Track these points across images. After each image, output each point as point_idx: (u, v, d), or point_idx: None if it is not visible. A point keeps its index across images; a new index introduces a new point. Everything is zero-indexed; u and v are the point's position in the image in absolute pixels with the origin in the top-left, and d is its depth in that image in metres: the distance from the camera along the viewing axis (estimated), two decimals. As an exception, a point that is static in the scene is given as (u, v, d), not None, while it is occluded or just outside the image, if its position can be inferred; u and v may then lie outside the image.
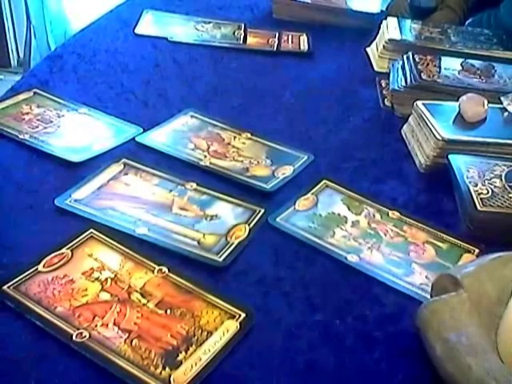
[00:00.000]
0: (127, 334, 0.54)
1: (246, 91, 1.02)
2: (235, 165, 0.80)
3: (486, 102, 0.87)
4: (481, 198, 0.72)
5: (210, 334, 0.55)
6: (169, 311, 0.57)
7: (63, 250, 0.62)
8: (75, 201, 0.70)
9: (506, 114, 0.89)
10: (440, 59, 1.05)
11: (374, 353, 0.56)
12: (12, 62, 2.73)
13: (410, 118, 0.92)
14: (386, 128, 0.95)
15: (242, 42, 1.20)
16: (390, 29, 1.17)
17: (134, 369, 0.51)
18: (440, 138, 0.81)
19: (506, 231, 0.70)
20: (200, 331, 0.55)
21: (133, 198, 0.72)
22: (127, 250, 0.63)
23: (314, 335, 0.57)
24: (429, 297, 0.60)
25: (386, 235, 0.70)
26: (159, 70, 1.06)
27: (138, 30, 1.20)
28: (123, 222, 0.68)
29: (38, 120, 0.85)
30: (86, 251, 0.63)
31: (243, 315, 0.57)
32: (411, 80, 0.97)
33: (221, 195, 0.74)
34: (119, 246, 0.64)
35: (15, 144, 0.80)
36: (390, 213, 0.74)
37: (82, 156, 0.78)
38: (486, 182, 0.75)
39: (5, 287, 0.57)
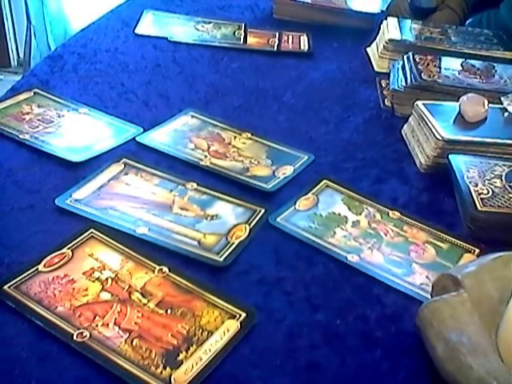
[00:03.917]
0: (128, 334, 0.54)
1: (246, 91, 1.02)
2: (235, 165, 0.80)
3: (486, 102, 0.87)
4: (481, 198, 0.72)
5: (210, 333, 0.55)
6: (169, 311, 0.57)
7: (64, 250, 0.63)
8: (76, 201, 0.70)
9: (506, 114, 0.89)
10: (440, 59, 1.05)
11: (375, 352, 0.56)
12: (12, 62, 2.73)
13: (410, 118, 0.92)
14: (386, 128, 0.95)
15: (242, 42, 1.20)
16: (390, 29, 1.17)
17: (134, 368, 0.51)
18: (440, 138, 0.82)
19: (506, 231, 0.70)
20: (201, 331, 0.55)
21: (133, 198, 0.72)
22: (128, 250, 0.63)
23: (315, 335, 0.57)
24: (429, 297, 0.60)
25: (386, 235, 0.70)
26: (160, 70, 1.06)
27: (139, 30, 1.20)
28: (124, 221, 0.68)
29: (38, 120, 0.85)
30: (87, 251, 0.63)
31: (244, 315, 0.57)
32: (411, 80, 0.97)
33: (221, 195, 0.74)
34: (120, 245, 0.64)
35: (16, 144, 0.80)
36: (391, 213, 0.74)
37: (82, 156, 0.78)
38: (487, 182, 0.75)
39: (5, 287, 0.57)
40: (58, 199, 0.70)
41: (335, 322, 0.58)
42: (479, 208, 0.71)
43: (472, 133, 0.84)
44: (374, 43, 1.21)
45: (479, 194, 0.73)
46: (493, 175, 0.76)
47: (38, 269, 0.60)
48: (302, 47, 1.21)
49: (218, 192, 0.74)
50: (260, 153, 0.84)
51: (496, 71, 1.04)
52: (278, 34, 1.24)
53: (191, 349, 0.53)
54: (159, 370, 0.51)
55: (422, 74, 0.98)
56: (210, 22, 1.27)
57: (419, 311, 0.56)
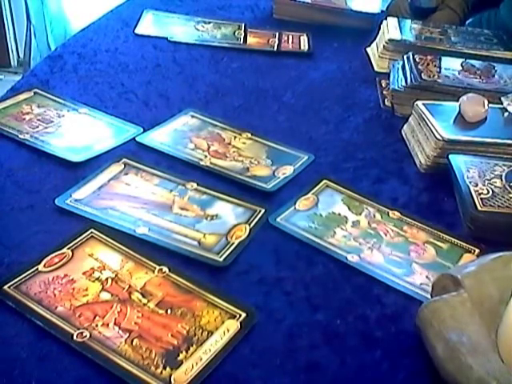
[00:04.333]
0: (128, 334, 0.54)
1: (246, 91, 1.02)
2: (235, 165, 0.80)
3: (486, 102, 0.88)
4: (481, 198, 0.72)
5: (210, 333, 0.55)
6: (169, 311, 0.57)
7: (64, 250, 0.63)
8: (76, 201, 0.70)
9: (506, 114, 0.89)
10: (440, 59, 1.06)
11: (375, 352, 0.56)
12: (12, 62, 2.73)
13: (410, 118, 0.92)
14: (386, 128, 0.95)
15: (242, 42, 1.20)
16: (390, 29, 1.17)
17: (134, 368, 0.51)
18: (440, 138, 0.82)
19: (506, 231, 0.70)
20: (200, 331, 0.55)
21: (133, 198, 0.72)
22: (128, 250, 0.63)
23: (315, 335, 0.57)
24: (429, 297, 0.60)
25: (386, 235, 0.70)
26: (160, 70, 1.06)
27: (139, 30, 1.20)
28: (124, 221, 0.68)
29: (38, 120, 0.85)
30: (87, 251, 0.63)
31: (244, 315, 0.57)
32: (411, 80, 0.97)
33: (221, 195, 0.74)
34: (120, 245, 0.64)
35: (16, 144, 0.80)
36: (391, 213, 0.74)
37: (82, 156, 0.78)
38: (487, 182, 0.75)
39: (5, 287, 0.57)
40: (58, 199, 0.70)
41: (335, 322, 0.58)
42: (479, 208, 0.71)
43: (472, 133, 0.84)
44: (374, 43, 1.21)
45: (479, 194, 0.73)
46: (493, 175, 0.76)
47: (37, 269, 0.60)
48: (302, 47, 1.21)
49: (218, 192, 0.74)
50: (260, 153, 0.84)
51: (496, 71, 1.04)
52: (278, 34, 1.24)
53: (191, 349, 0.53)
54: (159, 370, 0.51)
55: (422, 74, 0.98)
56: (209, 22, 1.27)
57: (419, 311, 0.56)
